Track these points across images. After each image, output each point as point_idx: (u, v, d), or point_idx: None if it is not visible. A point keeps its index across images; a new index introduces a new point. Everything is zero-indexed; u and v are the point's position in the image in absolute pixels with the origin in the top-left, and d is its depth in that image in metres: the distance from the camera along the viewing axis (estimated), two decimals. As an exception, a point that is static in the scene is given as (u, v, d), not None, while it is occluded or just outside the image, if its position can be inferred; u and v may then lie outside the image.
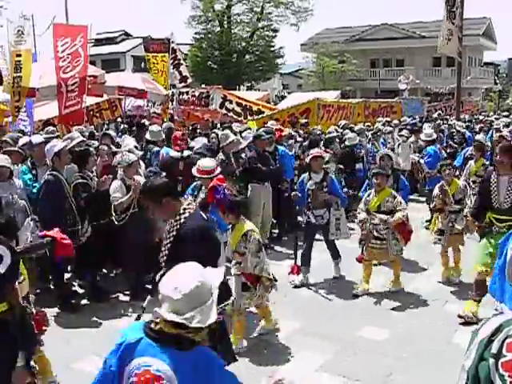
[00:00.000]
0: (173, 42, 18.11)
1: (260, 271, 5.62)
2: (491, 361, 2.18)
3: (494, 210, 6.26)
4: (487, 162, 10.54)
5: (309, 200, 7.73)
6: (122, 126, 16.71)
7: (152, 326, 2.54)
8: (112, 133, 10.73)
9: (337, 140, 11.73)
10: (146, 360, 2.49)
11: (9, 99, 12.75)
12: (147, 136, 9.88)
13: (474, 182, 9.59)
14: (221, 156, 8.78)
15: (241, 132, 11.13)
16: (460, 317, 6.20)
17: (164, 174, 7.77)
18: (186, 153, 8.30)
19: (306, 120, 13.76)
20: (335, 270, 8.04)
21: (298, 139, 11.82)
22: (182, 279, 2.47)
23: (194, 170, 6.82)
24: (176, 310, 2.42)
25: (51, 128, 10.83)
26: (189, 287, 2.42)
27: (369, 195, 7.46)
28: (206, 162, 6.94)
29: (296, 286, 7.63)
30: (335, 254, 8.04)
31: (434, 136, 12.17)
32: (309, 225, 7.86)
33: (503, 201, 6.15)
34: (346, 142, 11.38)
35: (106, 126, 14.23)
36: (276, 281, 5.80)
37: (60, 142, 7.30)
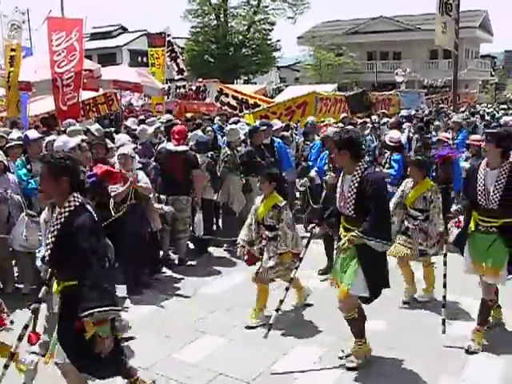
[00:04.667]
0: (169, 36, 18.09)
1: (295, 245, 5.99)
2: None
3: None
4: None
5: None
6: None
7: None
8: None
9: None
10: None
11: (4, 94, 12.73)
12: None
13: None
14: (227, 151, 9.03)
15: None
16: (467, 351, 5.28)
17: (154, 164, 8.19)
18: (183, 148, 8.23)
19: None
20: None
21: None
22: None
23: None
24: None
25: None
26: None
27: None
28: None
29: None
30: None
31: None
32: None
33: None
34: None
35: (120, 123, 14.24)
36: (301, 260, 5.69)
37: (71, 138, 7.34)
